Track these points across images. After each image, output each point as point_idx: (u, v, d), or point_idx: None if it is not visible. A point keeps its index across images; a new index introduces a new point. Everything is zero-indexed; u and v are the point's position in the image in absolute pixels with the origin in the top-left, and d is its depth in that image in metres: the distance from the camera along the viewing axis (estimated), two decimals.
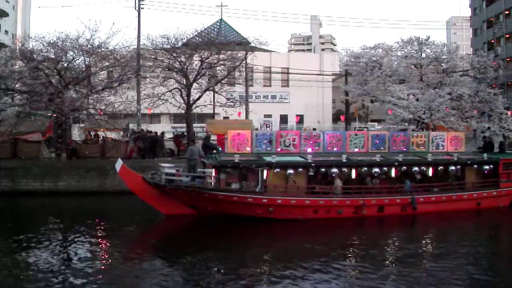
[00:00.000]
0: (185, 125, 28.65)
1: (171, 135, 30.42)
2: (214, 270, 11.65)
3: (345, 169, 17.33)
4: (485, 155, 19.53)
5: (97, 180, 22.72)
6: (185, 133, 28.61)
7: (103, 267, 11.96)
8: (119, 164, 17.35)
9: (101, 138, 27.26)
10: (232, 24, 56.67)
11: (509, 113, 29.23)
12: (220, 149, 19.18)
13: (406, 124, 28.22)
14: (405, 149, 18.92)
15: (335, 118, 53.54)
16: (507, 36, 50.59)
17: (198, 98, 27.53)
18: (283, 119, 45.74)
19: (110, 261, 12.63)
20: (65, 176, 22.79)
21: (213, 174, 16.57)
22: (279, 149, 17.78)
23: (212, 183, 16.62)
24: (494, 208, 18.64)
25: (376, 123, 43.11)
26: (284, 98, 50.34)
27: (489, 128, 28.03)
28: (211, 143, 19.73)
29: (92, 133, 27.69)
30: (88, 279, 10.72)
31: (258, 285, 10.65)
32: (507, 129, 27.81)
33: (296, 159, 17.27)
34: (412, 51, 30.80)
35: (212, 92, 29.75)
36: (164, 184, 16.59)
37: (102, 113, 25.15)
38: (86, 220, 17.04)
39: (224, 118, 38.44)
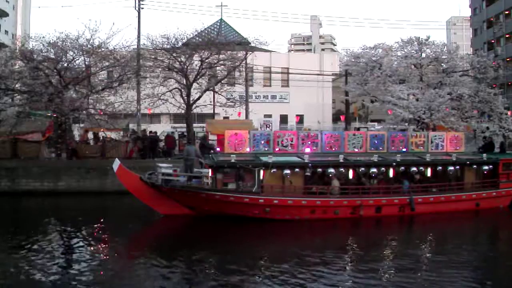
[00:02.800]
0: (185, 125, 28.64)
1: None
2: (210, 271, 11.65)
3: (342, 169, 17.30)
4: (484, 155, 19.45)
5: (97, 180, 22.72)
6: (185, 133, 28.62)
7: (101, 267, 11.97)
8: (116, 164, 17.36)
9: (101, 138, 27.24)
10: (232, 24, 56.73)
11: (509, 113, 29.20)
12: (218, 149, 19.16)
13: (406, 124, 28.22)
14: (404, 149, 18.86)
15: (335, 118, 53.52)
16: (507, 36, 50.63)
17: (198, 98, 27.52)
18: (283, 119, 45.71)
19: (107, 261, 12.62)
20: (65, 176, 22.80)
21: (210, 174, 16.56)
22: (277, 149, 17.75)
23: (209, 183, 16.61)
24: (493, 209, 18.58)
25: (376, 123, 43.08)
26: (284, 98, 50.34)
27: (488, 128, 28.01)
28: (208, 143, 19.74)
29: (91, 135, 27.66)
30: (86, 279, 10.75)
31: (254, 286, 10.64)
32: (507, 129, 27.79)
33: (293, 159, 17.24)
34: (412, 51, 30.76)
35: (212, 92, 29.74)
36: (161, 184, 16.58)
37: (102, 113, 25.13)
38: (85, 220, 17.06)
39: (224, 118, 38.43)
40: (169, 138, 27.84)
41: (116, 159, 18.26)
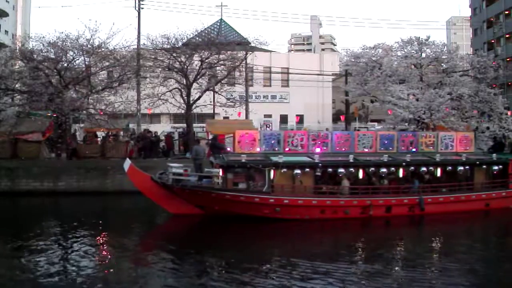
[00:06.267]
0: (185, 125, 28.66)
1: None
2: (219, 270, 11.64)
3: (352, 169, 17.32)
4: (494, 155, 19.38)
5: (97, 180, 22.70)
6: (185, 133, 28.63)
7: (105, 267, 11.93)
8: (127, 164, 17.44)
9: (109, 134, 27.00)
10: (232, 24, 56.64)
11: (509, 113, 29.20)
12: (228, 148, 19.16)
13: (406, 124, 28.20)
14: (414, 149, 18.82)
15: (335, 118, 53.48)
16: (507, 36, 50.61)
17: (198, 98, 27.53)
18: (283, 119, 45.64)
19: (112, 261, 12.56)
20: (65, 176, 22.76)
21: (220, 174, 16.61)
22: (287, 149, 17.74)
23: (219, 183, 16.65)
24: (503, 209, 18.48)
25: (376, 123, 43.06)
26: (284, 98, 50.29)
27: (488, 128, 28.01)
28: (218, 143, 19.80)
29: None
30: (90, 279, 10.71)
31: (264, 286, 10.60)
32: (507, 129, 27.79)
33: (303, 159, 17.25)
34: (412, 51, 30.78)
35: (212, 92, 29.73)
36: (172, 183, 16.65)
37: (102, 113, 25.13)
38: (87, 220, 17.03)
39: (224, 118, 38.38)
40: (168, 138, 27.84)
41: (127, 159, 18.42)
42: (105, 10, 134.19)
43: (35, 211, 19.70)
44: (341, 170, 17.04)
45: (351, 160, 17.25)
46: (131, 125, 31.78)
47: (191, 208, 16.96)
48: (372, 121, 49.39)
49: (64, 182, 22.69)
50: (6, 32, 53.19)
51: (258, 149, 17.58)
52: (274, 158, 16.70)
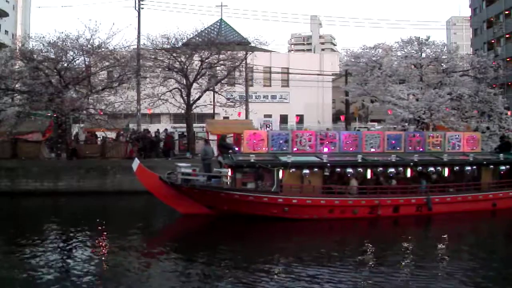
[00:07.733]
0: (185, 125, 28.67)
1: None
2: (227, 270, 11.62)
3: (360, 169, 17.35)
4: (501, 155, 19.37)
5: (97, 180, 22.70)
6: (185, 133, 28.64)
7: (107, 267, 11.91)
8: (136, 163, 17.46)
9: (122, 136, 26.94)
10: (232, 24, 56.58)
11: (509, 113, 29.21)
12: (237, 148, 19.17)
13: (406, 124, 28.21)
14: (421, 149, 18.83)
15: (335, 118, 53.52)
16: (507, 36, 50.60)
17: (198, 98, 27.54)
18: (283, 119, 45.68)
19: (114, 260, 12.51)
20: (65, 176, 22.76)
21: (229, 173, 16.64)
22: (295, 149, 17.77)
23: (228, 183, 16.69)
24: (510, 209, 18.47)
25: (376, 123, 43.10)
26: (284, 98, 50.32)
27: (488, 128, 28.02)
28: (227, 143, 19.83)
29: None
30: (91, 279, 10.69)
31: (271, 285, 10.59)
32: (507, 129, 27.79)
33: (311, 159, 17.30)
34: (412, 51, 30.77)
35: (212, 92, 29.75)
36: (180, 183, 16.70)
37: (102, 113, 25.13)
38: (88, 220, 17.04)
39: (224, 118, 38.42)
40: (168, 138, 27.84)
41: (136, 158, 18.43)
42: (105, 10, 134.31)
43: (35, 211, 19.71)
44: (350, 170, 17.07)
45: (360, 160, 17.30)
46: (131, 125, 31.79)
47: (200, 208, 16.98)
48: (372, 121, 49.47)
49: (64, 182, 22.69)
50: (6, 32, 53.22)
51: (264, 149, 17.59)
52: (283, 158, 16.76)
